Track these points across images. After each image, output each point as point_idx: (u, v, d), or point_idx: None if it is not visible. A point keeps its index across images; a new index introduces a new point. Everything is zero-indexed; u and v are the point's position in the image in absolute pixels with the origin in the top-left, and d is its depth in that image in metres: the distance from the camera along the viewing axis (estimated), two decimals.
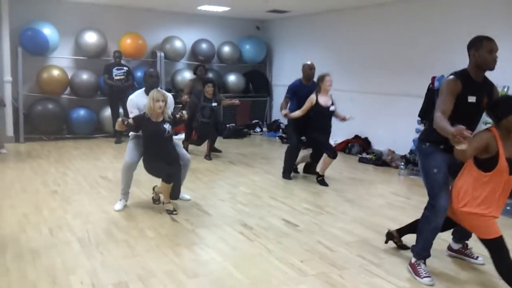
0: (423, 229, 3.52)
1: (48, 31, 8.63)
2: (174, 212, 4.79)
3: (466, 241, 3.85)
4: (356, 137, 8.84)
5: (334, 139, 9.09)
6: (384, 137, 8.18)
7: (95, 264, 3.53)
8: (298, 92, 6.29)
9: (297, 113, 6.12)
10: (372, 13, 8.47)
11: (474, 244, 3.72)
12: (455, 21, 6.89)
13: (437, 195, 3.38)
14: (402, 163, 7.14)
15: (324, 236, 4.31)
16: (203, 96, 7.52)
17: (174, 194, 4.89)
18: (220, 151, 8.20)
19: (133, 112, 4.89)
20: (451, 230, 3.83)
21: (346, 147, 8.75)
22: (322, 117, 6.11)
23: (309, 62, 6.40)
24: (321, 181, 6.28)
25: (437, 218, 3.41)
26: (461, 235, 3.81)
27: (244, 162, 7.62)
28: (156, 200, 5.12)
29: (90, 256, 3.68)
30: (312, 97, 6.04)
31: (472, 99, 3.27)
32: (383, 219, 4.84)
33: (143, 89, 5.05)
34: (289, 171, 6.51)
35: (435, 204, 3.40)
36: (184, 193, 5.33)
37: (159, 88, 4.86)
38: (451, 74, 3.32)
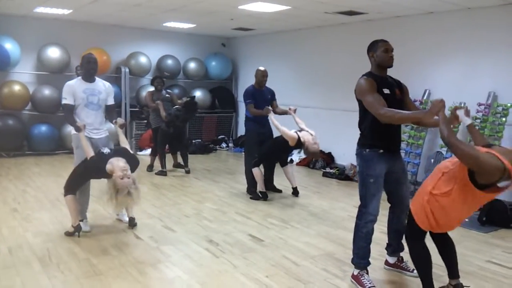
0: (356, 237, 3.65)
1: (10, 46, 8.45)
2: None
3: (401, 255, 3.91)
4: (320, 152, 8.94)
5: (299, 154, 9.22)
6: (347, 152, 8.34)
7: (56, 284, 3.46)
8: (257, 98, 6.35)
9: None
10: (335, 32, 8.69)
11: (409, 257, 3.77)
12: (415, 38, 7.15)
13: (367, 203, 3.54)
14: None
15: (290, 250, 4.35)
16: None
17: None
18: (184, 166, 8.11)
19: (66, 99, 4.62)
20: (385, 245, 3.95)
21: (310, 161, 8.86)
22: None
23: (262, 68, 6.44)
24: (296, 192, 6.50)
25: (367, 224, 3.55)
26: (394, 248, 3.90)
27: (210, 178, 7.61)
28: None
29: (51, 276, 3.59)
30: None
31: (386, 90, 3.51)
32: (346, 233, 4.91)
33: (80, 77, 4.79)
34: (254, 186, 6.51)
35: (365, 211, 3.55)
36: (125, 215, 5.01)
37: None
38: (362, 77, 3.55)
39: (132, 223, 4.83)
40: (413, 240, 3.30)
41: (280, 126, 5.96)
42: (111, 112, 5.00)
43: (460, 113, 3.08)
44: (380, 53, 3.53)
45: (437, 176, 3.07)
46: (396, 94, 3.58)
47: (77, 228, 4.48)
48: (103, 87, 4.86)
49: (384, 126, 3.43)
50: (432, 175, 3.17)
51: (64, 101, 4.66)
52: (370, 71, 3.62)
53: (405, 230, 3.41)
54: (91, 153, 4.31)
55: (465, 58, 6.57)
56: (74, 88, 4.66)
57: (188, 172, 7.88)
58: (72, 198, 4.45)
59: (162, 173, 7.65)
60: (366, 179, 3.54)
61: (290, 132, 5.93)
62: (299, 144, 5.94)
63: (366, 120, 3.53)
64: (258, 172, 6.21)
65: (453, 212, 3.03)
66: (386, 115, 3.29)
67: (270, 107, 6.27)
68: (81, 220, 4.69)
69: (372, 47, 3.60)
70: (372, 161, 3.53)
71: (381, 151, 3.53)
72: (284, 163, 6.51)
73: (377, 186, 3.54)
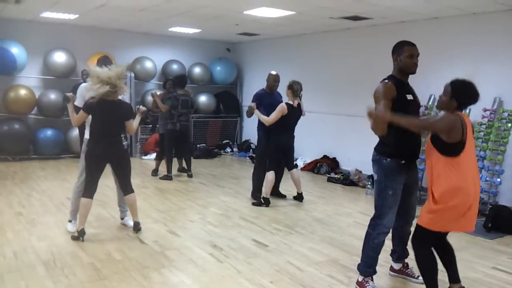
0: (366, 246, 3.58)
1: (16, 50, 8.51)
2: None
3: (406, 261, 3.90)
4: (325, 157, 8.97)
5: (303, 159, 9.22)
6: (351, 157, 8.33)
7: None
8: (263, 100, 6.33)
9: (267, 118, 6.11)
10: (340, 37, 8.70)
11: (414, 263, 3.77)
12: (420, 43, 7.13)
13: (383, 215, 3.46)
14: (369, 183, 7.27)
15: (294, 256, 4.34)
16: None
17: None
18: (187, 170, 8.12)
19: (78, 100, 4.69)
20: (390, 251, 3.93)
21: (315, 167, 8.85)
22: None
23: (274, 73, 6.46)
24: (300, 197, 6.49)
25: (380, 236, 3.50)
26: (399, 255, 3.88)
27: (214, 183, 7.61)
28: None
29: (56, 280, 3.60)
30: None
31: (409, 96, 3.45)
32: (351, 238, 4.90)
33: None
34: (259, 191, 6.49)
35: (379, 222, 3.48)
36: (130, 220, 4.99)
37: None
38: (383, 80, 3.42)
39: (136, 228, 4.83)
40: (420, 247, 3.30)
41: (261, 115, 6.08)
42: None
43: None
44: (404, 58, 3.38)
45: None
46: (417, 101, 3.53)
47: (81, 233, 4.49)
48: None
49: (409, 135, 3.32)
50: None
51: (76, 103, 4.65)
52: (392, 75, 3.48)
53: (411, 238, 3.38)
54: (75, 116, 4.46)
55: (470, 63, 6.55)
56: (85, 95, 4.65)
57: (190, 176, 7.88)
58: (84, 202, 4.48)
59: (168, 177, 7.64)
60: (385, 191, 3.43)
61: (277, 110, 5.98)
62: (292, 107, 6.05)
63: (390, 127, 3.32)
64: (272, 177, 6.17)
65: (459, 178, 3.08)
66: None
67: (254, 104, 6.23)
68: (70, 221, 4.79)
69: (397, 50, 3.44)
70: (393, 172, 3.41)
71: (403, 161, 3.42)
72: (291, 166, 6.45)
73: (395, 199, 3.44)
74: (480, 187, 3.61)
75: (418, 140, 3.52)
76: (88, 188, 4.51)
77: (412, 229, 3.70)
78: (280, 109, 5.99)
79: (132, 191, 4.74)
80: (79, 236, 4.49)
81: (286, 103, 6.08)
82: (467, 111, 5.95)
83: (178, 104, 7.52)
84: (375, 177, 3.56)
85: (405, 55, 3.37)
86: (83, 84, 4.80)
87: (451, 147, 3.08)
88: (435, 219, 3.17)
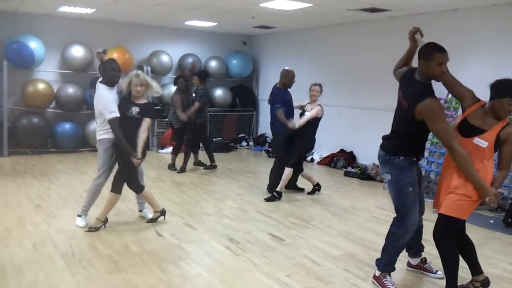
0: (390, 246, 3.52)
1: (34, 45, 8.60)
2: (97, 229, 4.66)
3: (423, 255, 3.87)
4: (342, 151, 8.91)
5: (320, 153, 9.17)
6: (369, 151, 8.23)
7: (79, 280, 3.50)
8: (284, 99, 6.23)
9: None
10: (357, 29, 8.60)
11: (433, 258, 3.73)
12: (439, 36, 7.01)
13: (408, 214, 3.39)
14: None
15: (310, 250, 4.32)
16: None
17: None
18: (205, 165, 8.17)
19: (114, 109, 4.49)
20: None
21: (331, 161, 8.80)
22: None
23: (289, 69, 6.33)
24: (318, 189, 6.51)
25: (406, 236, 3.44)
26: (416, 250, 3.84)
27: (230, 176, 7.62)
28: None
29: (74, 272, 3.64)
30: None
31: None
32: (368, 233, 4.86)
33: (104, 85, 4.64)
34: (276, 186, 6.43)
35: (405, 222, 3.40)
36: (149, 212, 5.13)
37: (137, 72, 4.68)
38: (426, 96, 3.13)
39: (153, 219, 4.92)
40: (445, 240, 3.27)
41: (304, 120, 6.07)
42: None
43: (417, 36, 3.48)
44: (433, 66, 3.13)
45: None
46: None
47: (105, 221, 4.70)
48: None
49: (425, 137, 3.38)
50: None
51: (114, 115, 4.45)
52: (424, 84, 3.24)
53: (433, 234, 3.32)
54: None
55: (490, 56, 6.42)
56: (113, 98, 4.60)
57: (215, 167, 8.01)
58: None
59: (183, 170, 7.77)
60: (405, 188, 3.36)
61: (313, 112, 6.06)
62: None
63: (411, 128, 3.27)
64: (290, 173, 6.14)
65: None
66: (459, 154, 3.05)
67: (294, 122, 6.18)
68: (80, 216, 4.83)
69: (426, 55, 3.18)
70: (408, 168, 3.37)
71: (414, 158, 3.41)
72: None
73: (415, 194, 3.40)
74: None
75: (426, 138, 3.50)
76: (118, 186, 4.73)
77: (425, 223, 3.74)
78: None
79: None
80: (104, 223, 4.70)
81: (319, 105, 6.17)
82: None
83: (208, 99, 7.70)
84: (389, 178, 3.46)
85: (434, 63, 3.12)
86: (105, 93, 4.63)
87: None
88: (468, 208, 3.17)
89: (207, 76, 7.87)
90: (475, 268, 3.43)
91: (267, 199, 6.11)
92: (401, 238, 3.44)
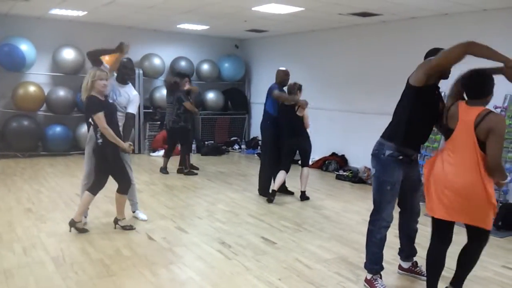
0: (369, 243, 3.58)
1: (25, 47, 8.54)
2: (133, 227, 4.79)
3: (414, 259, 3.88)
4: (333, 154, 8.94)
5: (311, 157, 9.17)
6: (360, 155, 8.26)
7: (70, 284, 3.47)
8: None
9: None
10: (349, 33, 8.64)
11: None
12: (430, 40, 7.07)
13: (382, 209, 3.46)
14: None
15: (302, 253, 4.32)
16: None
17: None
18: (197, 168, 8.18)
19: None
20: (398, 250, 3.92)
21: (323, 164, 8.82)
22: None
23: (283, 68, 6.50)
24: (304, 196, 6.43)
25: (381, 231, 3.50)
26: (407, 253, 3.86)
27: (222, 179, 7.61)
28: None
29: (65, 276, 3.61)
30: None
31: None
32: (360, 236, 4.87)
33: (116, 83, 4.89)
34: (267, 188, 6.49)
35: (378, 217, 3.48)
36: (141, 213, 5.22)
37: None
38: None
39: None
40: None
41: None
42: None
43: None
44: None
45: None
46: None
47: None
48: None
49: (420, 129, 3.40)
50: None
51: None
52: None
53: (479, 250, 3.27)
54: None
55: (481, 60, 6.46)
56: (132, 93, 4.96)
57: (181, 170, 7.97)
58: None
59: (192, 173, 7.88)
60: (383, 186, 3.43)
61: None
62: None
63: (410, 123, 3.35)
64: (284, 175, 6.24)
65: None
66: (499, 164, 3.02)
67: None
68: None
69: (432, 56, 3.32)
70: (390, 167, 3.41)
71: (401, 157, 3.40)
72: (305, 163, 6.43)
73: (393, 193, 3.45)
74: None
75: (427, 133, 3.50)
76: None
77: (418, 226, 3.76)
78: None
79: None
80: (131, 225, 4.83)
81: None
82: None
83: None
84: (373, 172, 3.57)
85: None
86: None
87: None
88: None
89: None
90: (460, 278, 3.34)
91: (268, 201, 6.16)
92: (377, 233, 3.50)
